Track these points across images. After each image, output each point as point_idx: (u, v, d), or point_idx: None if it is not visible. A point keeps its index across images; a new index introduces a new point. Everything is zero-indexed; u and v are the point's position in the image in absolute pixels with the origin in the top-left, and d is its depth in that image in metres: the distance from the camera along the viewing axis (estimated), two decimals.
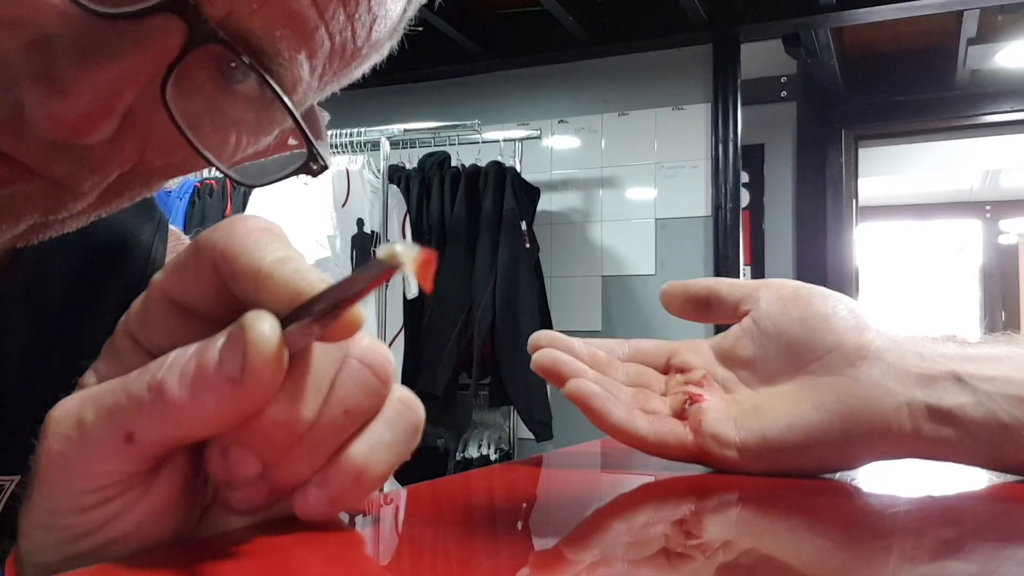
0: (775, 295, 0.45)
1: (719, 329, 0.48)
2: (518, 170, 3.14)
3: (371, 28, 0.37)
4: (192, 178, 2.98)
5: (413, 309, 3.02)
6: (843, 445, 0.41)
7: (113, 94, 0.31)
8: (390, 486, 0.31)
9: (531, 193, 3.17)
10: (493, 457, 3.18)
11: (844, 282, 3.95)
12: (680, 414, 0.44)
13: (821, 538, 0.33)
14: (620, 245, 3.42)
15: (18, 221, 0.34)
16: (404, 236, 2.94)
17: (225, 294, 0.27)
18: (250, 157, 0.41)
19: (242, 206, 2.90)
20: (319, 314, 0.25)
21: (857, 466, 0.43)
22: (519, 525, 0.36)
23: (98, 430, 0.25)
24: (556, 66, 3.56)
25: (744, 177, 3.48)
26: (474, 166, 3.12)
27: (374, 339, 0.29)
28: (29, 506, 0.27)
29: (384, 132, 3.04)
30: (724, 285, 0.48)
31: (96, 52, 0.30)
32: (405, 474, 0.36)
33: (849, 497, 0.41)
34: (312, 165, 0.38)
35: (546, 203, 3.42)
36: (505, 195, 3.02)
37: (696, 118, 3.34)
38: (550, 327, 3.15)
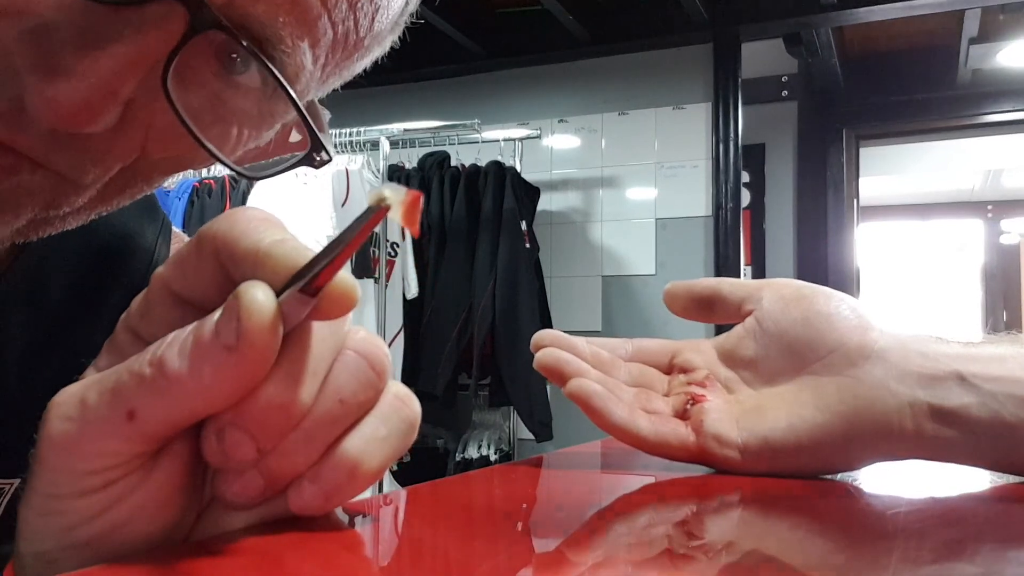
0: (778, 295, 0.45)
1: (720, 329, 0.48)
2: (518, 170, 3.14)
3: (373, 18, 0.37)
4: (191, 178, 2.97)
5: (413, 309, 3.02)
6: (845, 446, 0.41)
7: (114, 81, 0.31)
8: (390, 487, 0.31)
9: (531, 193, 3.17)
10: (493, 458, 3.18)
11: (845, 282, 3.95)
12: (682, 414, 0.44)
13: (822, 539, 0.32)
14: (620, 245, 3.42)
15: (18, 214, 0.34)
16: (403, 236, 2.94)
17: (226, 285, 0.27)
18: (251, 155, 0.41)
19: (241, 205, 2.90)
20: (315, 274, 0.25)
21: (859, 467, 0.43)
22: (519, 526, 0.36)
23: (101, 409, 0.26)
24: (556, 65, 3.56)
25: (745, 177, 3.48)
26: (474, 166, 3.12)
27: (370, 332, 0.29)
28: (30, 493, 0.27)
29: (384, 131, 3.05)
30: (727, 285, 0.48)
31: (96, 39, 0.30)
32: (405, 475, 0.36)
33: (850, 498, 0.41)
34: (315, 156, 0.38)
35: (546, 203, 3.42)
36: (505, 195, 3.02)
37: (696, 118, 3.34)
38: (550, 327, 3.14)
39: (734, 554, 0.30)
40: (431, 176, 3.15)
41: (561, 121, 3.55)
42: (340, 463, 0.28)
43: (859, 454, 0.42)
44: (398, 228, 2.97)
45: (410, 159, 3.27)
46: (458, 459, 3.20)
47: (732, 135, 3.24)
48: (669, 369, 0.48)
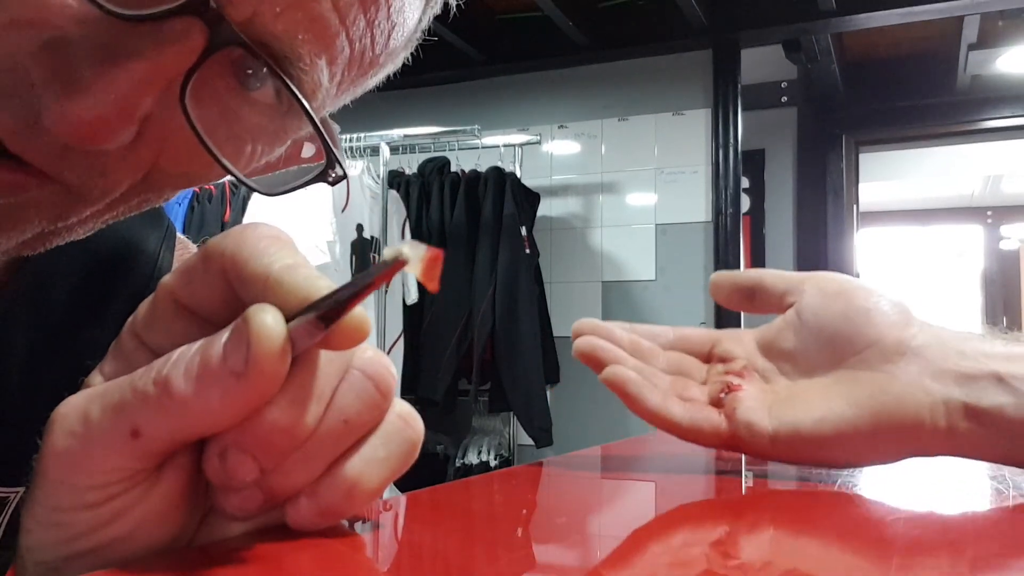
0: (819, 288, 0.46)
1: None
2: (518, 175, 3.14)
3: (389, 36, 0.37)
4: None
5: (413, 315, 3.02)
6: (872, 440, 0.42)
7: (131, 98, 0.30)
8: (389, 492, 0.31)
9: (531, 198, 3.17)
10: (493, 463, 3.17)
11: None
12: (717, 402, 0.45)
13: (832, 546, 0.32)
14: (620, 250, 3.42)
15: (24, 228, 0.34)
16: (403, 239, 2.93)
17: (232, 299, 0.27)
18: (262, 169, 0.41)
19: (241, 211, 2.90)
20: (324, 310, 0.25)
21: (888, 461, 0.43)
22: (519, 532, 0.35)
23: (104, 426, 0.25)
24: (556, 71, 3.56)
25: (744, 182, 3.48)
26: (474, 171, 3.12)
27: (377, 351, 0.29)
28: (32, 503, 0.27)
29: (384, 137, 3.05)
30: (770, 276, 0.48)
31: (114, 54, 0.30)
32: (404, 480, 0.36)
33: (852, 505, 0.41)
34: (330, 172, 0.38)
35: (546, 208, 3.42)
36: (505, 200, 3.02)
37: (696, 123, 3.34)
38: (550, 333, 3.15)
39: (737, 557, 0.30)
40: (431, 182, 3.16)
41: (561, 127, 3.56)
42: (338, 483, 0.28)
43: (886, 449, 0.42)
44: (398, 234, 2.98)
45: (410, 165, 3.27)
46: (458, 465, 3.19)
47: (732, 141, 3.25)
48: (709, 358, 0.49)
